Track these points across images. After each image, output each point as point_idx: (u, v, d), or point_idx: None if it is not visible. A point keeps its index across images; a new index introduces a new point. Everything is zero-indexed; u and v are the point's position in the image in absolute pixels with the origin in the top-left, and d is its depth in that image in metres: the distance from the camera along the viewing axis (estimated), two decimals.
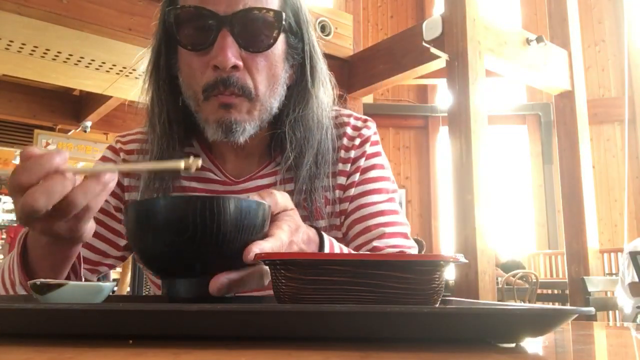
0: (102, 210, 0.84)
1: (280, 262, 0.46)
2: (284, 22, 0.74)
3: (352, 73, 4.80)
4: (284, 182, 0.81)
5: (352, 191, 0.85)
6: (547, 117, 6.86)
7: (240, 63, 0.72)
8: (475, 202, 3.61)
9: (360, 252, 0.80)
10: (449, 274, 3.88)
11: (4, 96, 7.21)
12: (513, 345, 0.39)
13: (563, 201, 4.59)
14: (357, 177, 0.85)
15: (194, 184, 0.84)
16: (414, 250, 0.86)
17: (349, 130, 0.88)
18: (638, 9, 6.57)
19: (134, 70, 5.55)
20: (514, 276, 4.71)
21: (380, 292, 0.43)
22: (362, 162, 0.86)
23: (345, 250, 0.72)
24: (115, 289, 3.36)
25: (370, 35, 7.16)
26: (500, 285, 4.45)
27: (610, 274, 5.44)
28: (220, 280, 0.50)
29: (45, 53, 5.17)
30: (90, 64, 5.42)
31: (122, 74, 5.70)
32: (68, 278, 0.70)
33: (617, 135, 6.54)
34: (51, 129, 7.91)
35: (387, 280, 0.43)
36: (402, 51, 4.43)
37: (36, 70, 5.67)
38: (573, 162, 4.50)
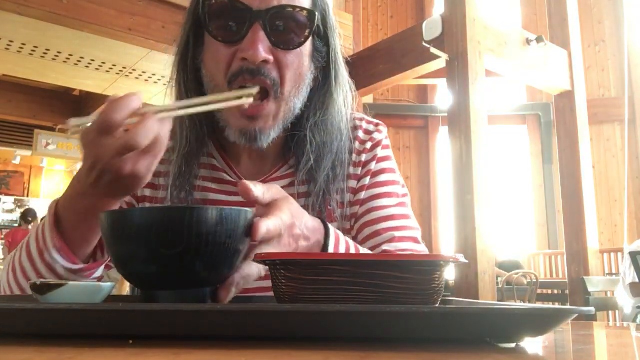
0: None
1: (280, 262, 0.46)
2: (315, 23, 0.75)
3: (352, 73, 4.77)
4: (299, 184, 0.81)
5: (363, 195, 0.85)
6: (547, 117, 6.85)
7: (271, 58, 0.72)
8: (475, 202, 3.61)
9: (362, 253, 0.80)
10: (449, 274, 3.88)
11: (4, 96, 7.22)
12: (513, 345, 0.39)
13: (563, 201, 4.59)
14: (367, 180, 0.85)
15: (208, 184, 0.83)
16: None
17: (360, 134, 0.88)
18: (638, 9, 6.57)
19: (134, 70, 5.55)
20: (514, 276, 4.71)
21: (380, 292, 0.43)
22: (373, 166, 0.86)
23: (352, 243, 0.71)
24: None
25: (370, 35, 7.15)
26: (500, 285, 4.45)
27: (610, 274, 5.43)
28: (230, 292, 0.53)
29: (45, 53, 5.17)
30: (90, 64, 5.43)
31: (122, 74, 5.70)
32: (95, 252, 0.71)
33: (617, 135, 6.54)
34: (51, 129, 7.92)
35: (387, 280, 0.43)
36: (402, 51, 4.42)
37: (36, 70, 5.67)
38: (573, 162, 4.50)
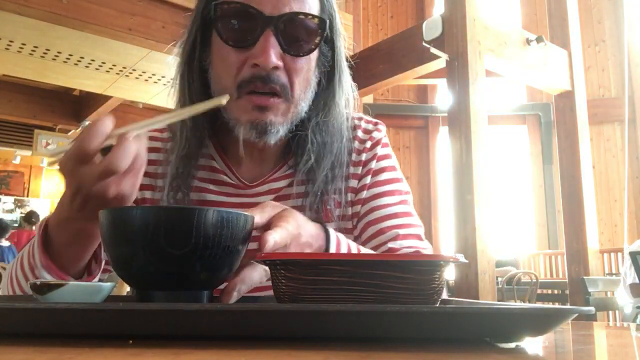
0: None
1: (280, 262, 0.46)
2: (325, 30, 0.75)
3: (352, 73, 4.78)
4: (298, 184, 0.81)
5: (364, 194, 0.85)
6: (547, 117, 6.86)
7: (281, 64, 0.72)
8: (475, 202, 3.61)
9: (362, 253, 0.80)
10: (449, 274, 3.88)
11: (4, 96, 7.22)
12: (513, 345, 0.39)
13: (563, 201, 4.59)
14: (368, 179, 0.86)
15: (207, 185, 0.83)
16: (428, 251, 0.86)
17: (359, 133, 0.88)
18: (638, 9, 6.57)
19: (134, 70, 5.56)
20: (512, 276, 4.71)
21: (380, 292, 0.43)
22: (374, 165, 0.86)
23: (353, 244, 0.71)
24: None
25: (370, 35, 7.16)
26: (500, 285, 4.45)
27: (610, 274, 5.43)
28: (231, 297, 0.54)
29: (45, 53, 5.18)
30: (90, 64, 5.43)
31: (122, 74, 5.70)
32: (89, 265, 0.70)
33: (617, 135, 6.54)
34: (51, 129, 7.92)
35: (387, 280, 0.43)
36: (402, 51, 4.43)
37: (36, 70, 5.67)
38: (573, 162, 4.50)
